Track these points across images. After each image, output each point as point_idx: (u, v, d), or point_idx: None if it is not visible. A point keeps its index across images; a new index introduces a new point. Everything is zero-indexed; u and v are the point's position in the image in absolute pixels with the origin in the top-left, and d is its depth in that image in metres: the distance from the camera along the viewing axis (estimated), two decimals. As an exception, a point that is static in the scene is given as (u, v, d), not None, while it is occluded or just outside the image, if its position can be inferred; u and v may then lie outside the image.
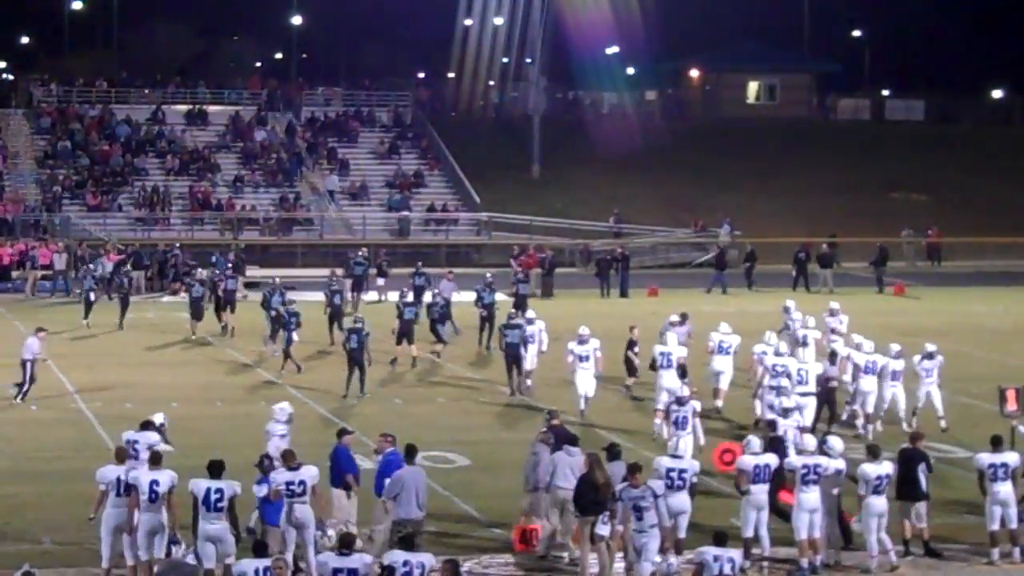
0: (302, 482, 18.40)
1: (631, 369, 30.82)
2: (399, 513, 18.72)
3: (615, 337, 31.82)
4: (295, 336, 33.85)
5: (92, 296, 41.75)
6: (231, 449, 22.54)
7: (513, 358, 31.32)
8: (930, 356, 28.25)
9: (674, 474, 19.25)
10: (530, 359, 31.85)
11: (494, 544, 20.30)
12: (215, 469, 18.02)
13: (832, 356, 28.20)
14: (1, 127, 68.69)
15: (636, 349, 30.70)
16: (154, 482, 17.92)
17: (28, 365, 30.32)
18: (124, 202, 63.34)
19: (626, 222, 65.24)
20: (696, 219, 65.39)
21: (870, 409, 27.66)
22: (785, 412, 23.52)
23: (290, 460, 18.65)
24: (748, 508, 19.42)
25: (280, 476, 18.48)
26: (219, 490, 17.68)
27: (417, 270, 44.26)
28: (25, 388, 30.36)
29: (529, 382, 31.75)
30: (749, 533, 19.28)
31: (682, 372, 28.23)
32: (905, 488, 20.01)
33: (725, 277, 52.73)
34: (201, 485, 17.85)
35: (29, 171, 65.36)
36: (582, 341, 29.09)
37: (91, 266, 46.60)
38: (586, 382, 28.91)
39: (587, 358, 28.95)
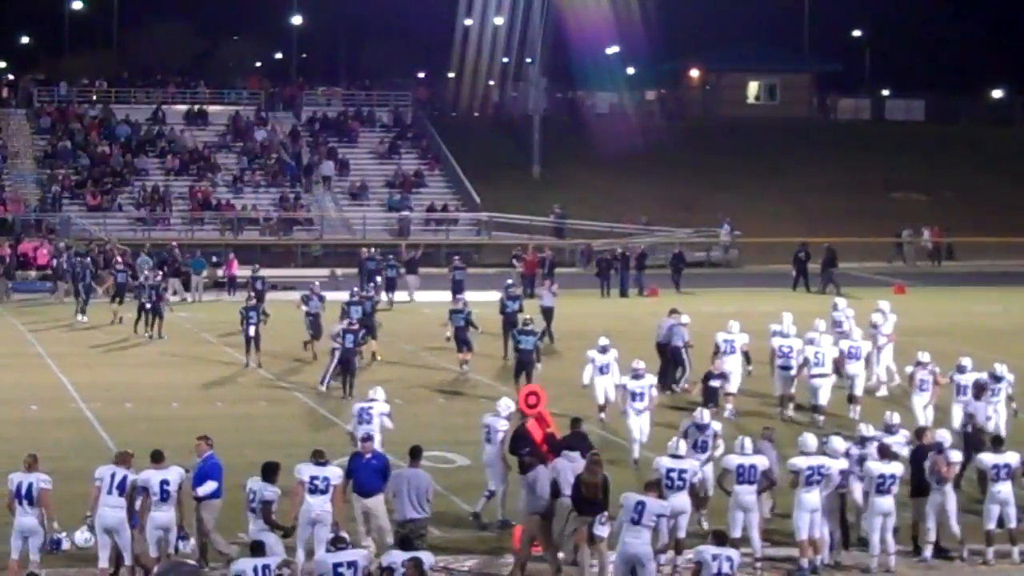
0: (326, 479, 18.41)
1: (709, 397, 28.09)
2: (397, 514, 18.70)
3: (617, 338, 31.73)
4: (251, 331, 34.47)
5: (148, 304, 41.56)
6: (232, 449, 22.56)
7: (524, 365, 30.28)
8: (997, 379, 25.95)
9: (674, 474, 19.25)
10: (602, 392, 28.28)
11: (494, 544, 20.28)
12: (267, 471, 18.14)
13: (979, 390, 24.59)
14: (1, 127, 68.68)
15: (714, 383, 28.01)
16: (164, 481, 18.03)
17: (335, 352, 31.23)
18: (124, 202, 63.34)
19: (571, 218, 64.79)
20: (630, 217, 65.11)
21: (858, 392, 28.29)
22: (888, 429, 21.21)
23: (319, 456, 18.74)
24: (734, 509, 19.42)
25: (306, 470, 18.52)
26: (252, 491, 17.92)
27: (388, 262, 44.73)
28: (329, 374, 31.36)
29: (603, 415, 28.13)
30: (736, 533, 19.19)
31: (746, 358, 28.88)
32: (915, 485, 20.18)
33: (641, 277, 52.16)
34: (247, 486, 18.10)
35: (29, 171, 65.38)
36: (637, 376, 25.63)
37: (147, 274, 46.64)
38: (639, 424, 25.28)
39: (641, 396, 25.43)
